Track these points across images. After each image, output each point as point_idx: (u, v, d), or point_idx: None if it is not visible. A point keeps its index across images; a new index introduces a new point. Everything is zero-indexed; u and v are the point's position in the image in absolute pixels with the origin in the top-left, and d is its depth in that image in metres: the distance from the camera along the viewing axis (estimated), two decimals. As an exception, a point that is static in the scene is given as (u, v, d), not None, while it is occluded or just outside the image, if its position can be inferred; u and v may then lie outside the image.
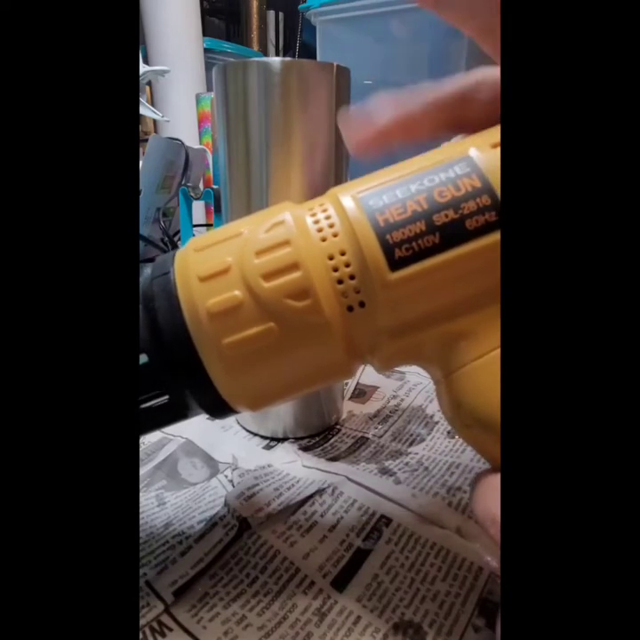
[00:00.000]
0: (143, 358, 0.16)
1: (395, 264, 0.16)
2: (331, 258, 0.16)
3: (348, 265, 0.16)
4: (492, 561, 0.23)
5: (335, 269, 0.16)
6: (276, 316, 0.16)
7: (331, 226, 0.16)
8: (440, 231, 0.16)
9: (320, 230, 0.17)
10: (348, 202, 0.17)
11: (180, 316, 0.16)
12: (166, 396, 0.17)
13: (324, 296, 0.16)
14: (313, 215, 0.17)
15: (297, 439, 0.34)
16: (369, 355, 0.18)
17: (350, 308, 0.16)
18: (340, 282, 0.16)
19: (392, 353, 0.17)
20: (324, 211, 0.17)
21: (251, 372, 0.17)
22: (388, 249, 0.16)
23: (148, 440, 0.33)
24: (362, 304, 0.16)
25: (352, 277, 0.16)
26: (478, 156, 0.16)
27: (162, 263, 0.18)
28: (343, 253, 0.16)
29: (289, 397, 0.19)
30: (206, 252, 0.17)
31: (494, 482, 0.15)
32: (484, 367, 0.16)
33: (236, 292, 0.16)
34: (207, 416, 0.37)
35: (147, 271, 0.18)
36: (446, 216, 0.16)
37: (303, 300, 0.16)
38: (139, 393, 0.17)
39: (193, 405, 0.18)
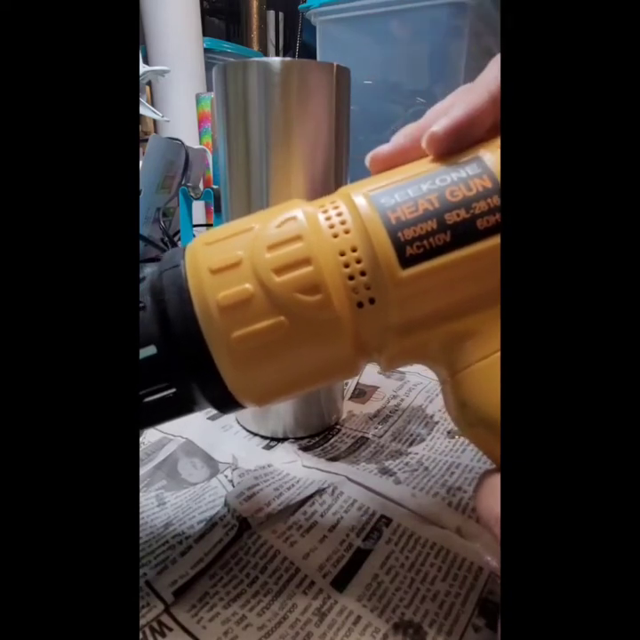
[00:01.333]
0: (151, 350, 0.16)
1: (406, 261, 0.16)
2: (342, 254, 0.16)
3: (359, 261, 0.16)
4: (493, 561, 0.23)
5: (346, 265, 0.16)
6: (286, 311, 0.16)
7: (342, 222, 0.17)
8: (451, 230, 0.16)
9: (332, 227, 0.17)
10: (359, 199, 0.17)
11: (190, 308, 0.16)
12: (173, 389, 0.17)
13: (335, 292, 0.16)
14: (324, 212, 0.17)
15: (297, 439, 0.34)
16: (376, 353, 0.18)
17: (360, 305, 0.16)
18: (351, 278, 0.16)
19: (399, 351, 0.17)
20: (336, 208, 0.17)
21: (259, 367, 0.17)
22: (399, 246, 0.16)
23: (147, 440, 0.33)
24: (372, 301, 0.16)
25: (363, 274, 0.16)
26: (489, 157, 0.16)
27: (171, 256, 0.18)
28: (354, 250, 0.16)
29: (295, 393, 0.19)
30: (217, 246, 0.17)
31: (497, 481, 0.16)
32: (489, 367, 0.16)
33: (248, 286, 0.16)
34: (207, 416, 0.37)
35: (147, 270, 0.18)
36: (458, 215, 0.16)
37: (314, 294, 0.16)
38: (145, 385, 0.17)
39: (199, 399, 0.18)
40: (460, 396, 0.17)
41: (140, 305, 0.17)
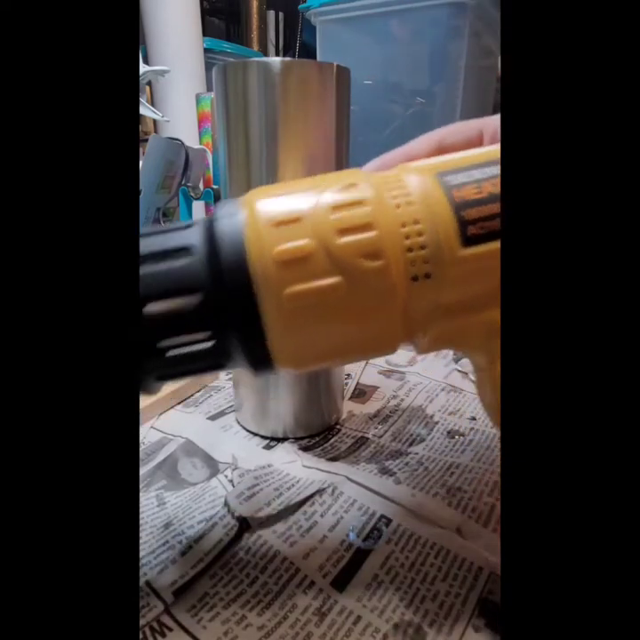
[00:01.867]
0: (198, 297, 0.16)
1: (467, 240, 0.16)
2: (403, 225, 0.16)
3: (420, 234, 0.16)
4: (492, 557, 0.23)
5: (407, 237, 0.16)
6: (346, 273, 0.16)
7: (406, 194, 0.17)
8: None
9: (395, 197, 0.17)
10: (424, 176, 0.17)
11: (243, 257, 0.16)
12: (212, 341, 0.17)
13: (394, 261, 0.16)
14: (386, 183, 0.17)
15: (297, 439, 0.34)
16: (420, 331, 0.18)
17: (415, 278, 0.16)
18: (410, 250, 0.16)
19: (441, 333, 0.18)
20: (399, 180, 0.17)
21: (306, 327, 0.17)
22: (462, 224, 0.16)
23: (148, 440, 0.33)
24: (427, 276, 0.16)
25: (423, 247, 0.16)
26: None
27: (226, 205, 0.17)
28: (417, 222, 0.16)
29: (334, 362, 0.18)
30: (278, 200, 0.17)
31: None
32: None
33: (308, 241, 0.16)
34: (207, 416, 0.37)
35: (194, 219, 0.17)
36: None
37: (375, 260, 0.16)
38: (185, 331, 0.16)
39: (236, 354, 0.17)
40: (498, 384, 0.17)
41: (184, 249, 0.16)
